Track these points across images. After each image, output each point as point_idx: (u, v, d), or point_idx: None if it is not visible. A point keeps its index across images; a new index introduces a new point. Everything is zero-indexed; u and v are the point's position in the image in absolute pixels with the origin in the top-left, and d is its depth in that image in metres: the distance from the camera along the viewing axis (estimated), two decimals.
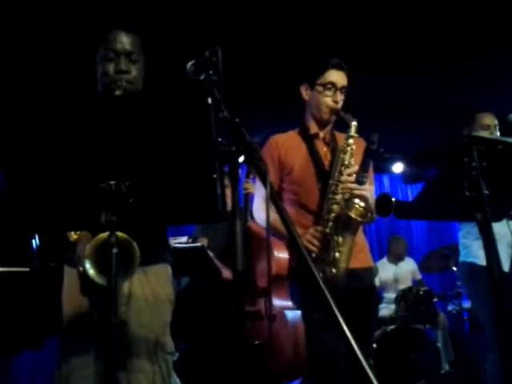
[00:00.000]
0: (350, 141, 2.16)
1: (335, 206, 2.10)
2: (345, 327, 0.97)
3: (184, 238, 3.63)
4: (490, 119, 2.88)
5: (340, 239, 2.06)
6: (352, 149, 2.16)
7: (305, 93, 2.29)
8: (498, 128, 2.88)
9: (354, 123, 2.16)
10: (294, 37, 3.79)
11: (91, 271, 1.44)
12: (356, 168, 2.12)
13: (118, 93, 1.65)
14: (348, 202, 2.07)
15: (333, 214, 2.09)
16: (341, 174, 2.13)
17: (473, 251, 2.90)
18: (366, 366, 0.92)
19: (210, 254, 3.45)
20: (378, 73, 4.36)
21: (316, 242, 2.06)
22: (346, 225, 2.06)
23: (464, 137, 1.42)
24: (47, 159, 1.36)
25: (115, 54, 1.74)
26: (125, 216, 1.33)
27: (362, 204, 2.06)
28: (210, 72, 1.24)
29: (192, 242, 3.59)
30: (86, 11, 3.26)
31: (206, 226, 3.68)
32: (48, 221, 1.44)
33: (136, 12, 3.23)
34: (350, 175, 2.11)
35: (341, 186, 2.11)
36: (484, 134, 2.74)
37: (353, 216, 2.04)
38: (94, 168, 1.34)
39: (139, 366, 1.66)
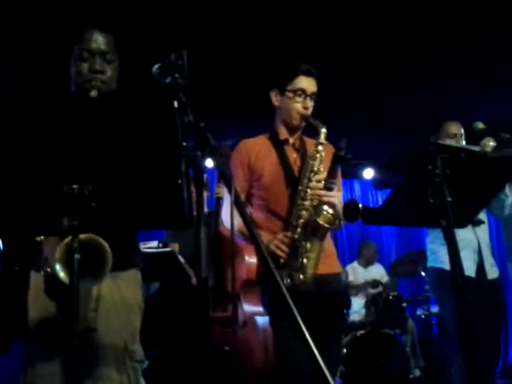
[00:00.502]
0: (320, 147, 2.18)
1: (304, 212, 2.11)
2: (306, 334, 0.96)
3: (154, 243, 3.60)
4: (456, 128, 2.93)
5: (308, 245, 2.06)
6: (321, 155, 2.17)
7: (275, 98, 2.30)
8: (463, 137, 2.94)
9: (324, 130, 2.18)
10: (265, 42, 3.80)
11: (62, 274, 1.41)
12: (325, 174, 2.13)
13: (93, 94, 1.62)
14: (317, 209, 2.08)
15: (301, 220, 2.10)
16: (310, 180, 2.14)
17: (440, 257, 2.94)
18: (327, 373, 0.91)
19: (181, 259, 3.43)
20: (349, 80, 4.40)
21: (284, 248, 2.06)
22: (314, 231, 2.07)
23: (428, 144, 1.44)
24: (9, 160, 1.32)
25: (90, 54, 1.72)
26: (88, 220, 1.30)
27: (331, 211, 2.07)
28: (176, 75, 1.23)
29: (163, 247, 3.56)
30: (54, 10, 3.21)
31: (176, 231, 3.65)
32: (10, 225, 1.40)
33: (106, 11, 3.19)
34: (318, 181, 2.12)
35: (309, 192, 2.12)
36: (449, 142, 2.79)
37: (321, 223, 2.05)
38: (56, 171, 1.31)
39: (106, 373, 1.63)
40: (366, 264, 5.66)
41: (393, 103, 5.03)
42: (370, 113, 5.13)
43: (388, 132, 5.70)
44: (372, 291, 5.13)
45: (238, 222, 2.21)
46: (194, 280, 3.38)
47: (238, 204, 1.13)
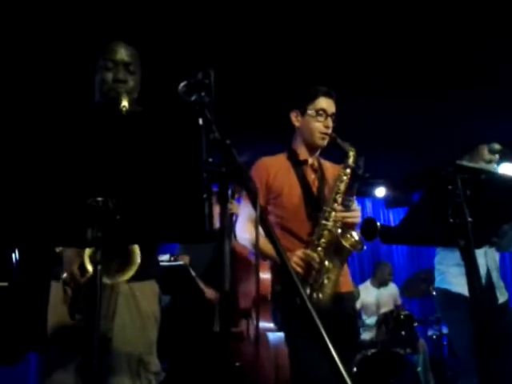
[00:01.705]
0: (347, 170, 2.21)
1: (326, 232, 2.14)
2: (332, 349, 0.97)
3: (166, 256, 3.61)
4: (491, 156, 2.89)
5: (330, 265, 2.09)
6: (348, 178, 2.20)
7: (295, 119, 2.36)
8: (496, 162, 2.91)
9: (353, 153, 2.22)
10: (287, 64, 3.85)
11: (89, 267, 1.44)
12: (352, 199, 2.18)
13: (124, 102, 1.65)
14: (343, 232, 2.12)
15: (323, 240, 2.13)
16: (335, 201, 2.17)
17: (447, 277, 2.92)
18: None
19: (193, 273, 3.43)
20: (363, 98, 4.43)
21: (302, 264, 2.07)
22: (336, 252, 2.09)
23: (449, 165, 1.45)
24: (34, 172, 1.35)
25: (114, 64, 1.78)
26: (111, 233, 1.32)
27: (356, 237, 2.11)
28: (202, 93, 1.26)
29: (174, 260, 3.56)
30: (80, 24, 3.28)
31: (188, 244, 3.66)
32: (34, 236, 1.42)
33: (135, 29, 3.26)
34: (345, 206, 2.16)
35: (334, 214, 2.15)
36: (468, 164, 2.78)
37: (346, 245, 2.08)
38: (81, 183, 1.34)
39: (120, 383, 1.64)
40: (379, 284, 5.61)
41: (406, 123, 5.04)
42: (382, 132, 5.15)
43: (400, 151, 5.71)
44: (383, 310, 5.09)
45: (252, 237, 2.23)
46: (208, 293, 3.38)
47: (263, 220, 1.15)
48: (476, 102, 4.64)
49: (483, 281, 2.89)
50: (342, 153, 2.23)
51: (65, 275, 1.58)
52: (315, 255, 2.09)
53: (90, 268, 1.45)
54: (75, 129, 1.34)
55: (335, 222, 2.13)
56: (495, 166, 2.92)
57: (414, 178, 5.11)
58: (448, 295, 2.86)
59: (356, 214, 2.14)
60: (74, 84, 2.34)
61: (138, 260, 1.45)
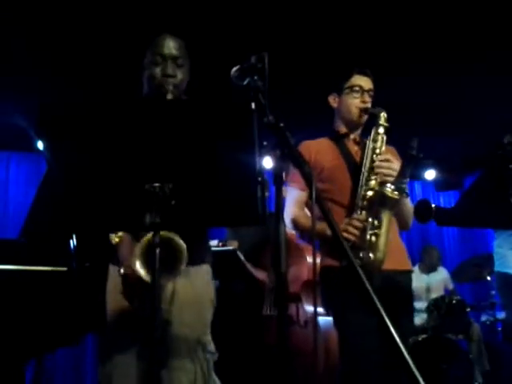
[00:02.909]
0: (380, 129, 2.20)
1: (369, 192, 2.11)
2: (391, 327, 0.96)
3: (215, 242, 3.66)
4: None
5: (376, 222, 2.05)
6: (383, 138, 2.19)
7: (333, 101, 2.36)
8: None
9: (383, 114, 2.21)
10: (336, 49, 3.81)
11: (141, 271, 1.48)
12: (388, 155, 2.15)
13: (169, 97, 1.69)
14: (382, 185, 2.07)
15: (366, 201, 2.10)
16: (372, 161, 2.16)
17: (508, 261, 2.87)
18: (414, 367, 0.91)
19: (242, 257, 3.47)
20: (412, 78, 4.33)
21: (352, 230, 2.04)
22: (380, 205, 2.04)
23: (508, 144, 1.40)
24: (94, 158, 1.39)
25: (162, 59, 1.80)
26: (168, 217, 1.35)
27: (394, 187, 2.04)
28: (255, 77, 1.26)
29: (223, 245, 3.61)
30: (131, 19, 3.34)
31: (236, 228, 3.70)
32: (93, 221, 1.47)
33: (183, 18, 3.28)
34: (382, 161, 2.13)
35: (373, 173, 2.13)
36: None
37: (388, 194, 2.03)
38: (138, 170, 1.37)
39: (180, 364, 1.69)
40: (428, 270, 5.47)
41: (457, 103, 4.90)
42: (432, 113, 5.02)
43: (451, 132, 5.55)
44: (434, 296, 4.99)
45: (296, 218, 2.23)
46: (259, 275, 3.41)
47: (319, 201, 1.15)
48: None
49: None
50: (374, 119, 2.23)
51: (122, 270, 1.62)
52: (360, 216, 2.06)
53: (142, 272, 1.48)
54: (131, 117, 1.37)
55: (375, 180, 2.11)
56: None
57: (464, 159, 4.97)
58: (509, 278, 2.81)
59: (393, 167, 2.09)
60: (126, 78, 2.38)
61: (185, 257, 1.47)
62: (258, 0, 3.22)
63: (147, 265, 1.45)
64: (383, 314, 0.97)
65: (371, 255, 2.01)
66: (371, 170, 2.14)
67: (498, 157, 1.38)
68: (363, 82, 2.29)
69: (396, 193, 2.02)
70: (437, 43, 3.87)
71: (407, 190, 2.07)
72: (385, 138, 2.19)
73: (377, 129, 2.21)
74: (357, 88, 2.27)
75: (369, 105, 2.27)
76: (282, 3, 3.28)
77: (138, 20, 3.31)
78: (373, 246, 2.02)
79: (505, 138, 2.81)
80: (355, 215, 2.08)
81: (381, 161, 2.13)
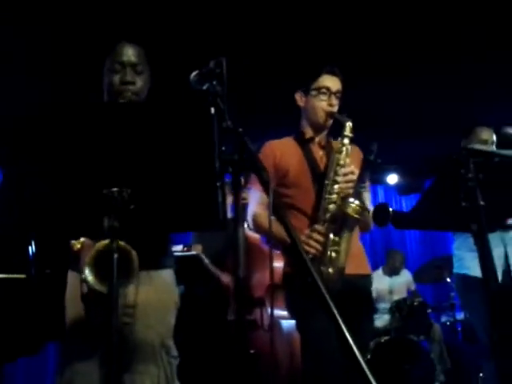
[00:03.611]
0: (345, 140, 2.17)
1: (331, 206, 2.10)
2: (345, 330, 0.98)
3: (179, 247, 3.64)
4: (487, 134, 2.93)
5: (336, 238, 2.05)
6: (347, 149, 2.16)
7: (300, 99, 2.32)
8: (495, 144, 2.92)
9: (349, 123, 2.18)
10: (296, 48, 3.83)
11: (90, 278, 1.45)
12: (352, 167, 2.13)
13: (122, 101, 1.68)
14: (344, 201, 2.06)
15: (329, 214, 2.09)
16: (336, 173, 2.13)
17: (466, 263, 2.93)
18: (368, 372, 0.93)
19: (206, 260, 3.46)
20: (375, 82, 4.40)
21: (312, 243, 2.04)
22: (342, 223, 2.04)
23: (462, 149, 1.45)
24: (51, 164, 1.37)
25: (121, 66, 1.79)
26: (127, 222, 1.34)
27: (357, 202, 2.04)
28: (214, 82, 1.27)
29: (187, 251, 3.60)
30: (92, 24, 3.30)
31: (201, 233, 3.69)
32: (51, 227, 1.45)
33: (141, 23, 3.27)
34: (345, 175, 2.11)
35: (337, 185, 2.11)
36: (480, 147, 2.78)
37: (350, 213, 2.03)
38: (96, 174, 1.36)
39: (144, 367, 1.69)
40: (391, 272, 5.59)
41: (419, 108, 5.01)
42: (394, 118, 5.12)
43: (412, 137, 5.67)
44: (396, 298, 5.08)
45: (262, 220, 2.23)
46: (224, 278, 3.40)
47: (275, 205, 1.16)
48: (489, 87, 4.60)
49: (502, 262, 2.90)
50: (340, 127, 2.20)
51: (83, 276, 1.59)
52: (320, 229, 2.06)
53: (90, 278, 1.46)
54: (89, 122, 1.36)
55: (338, 194, 2.09)
56: (494, 148, 2.92)
57: (426, 163, 5.08)
58: (467, 279, 2.87)
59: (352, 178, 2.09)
60: (86, 84, 2.36)
61: (137, 263, 1.46)
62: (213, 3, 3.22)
63: (98, 273, 1.43)
64: (340, 322, 0.99)
65: (330, 270, 2.02)
66: (334, 182, 2.12)
67: (452, 161, 1.42)
68: (331, 82, 2.25)
69: (357, 214, 2.03)
70: (398, 45, 3.94)
71: (364, 192, 2.10)
72: (349, 148, 2.17)
73: (342, 139, 2.18)
74: (324, 90, 2.23)
75: (335, 108, 2.25)
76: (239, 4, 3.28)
77: (98, 27, 3.28)
78: (333, 262, 2.03)
79: (461, 142, 2.90)
80: (316, 226, 2.08)
81: (344, 174, 2.11)
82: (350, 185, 2.09)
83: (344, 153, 2.16)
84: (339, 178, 2.11)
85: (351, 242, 2.08)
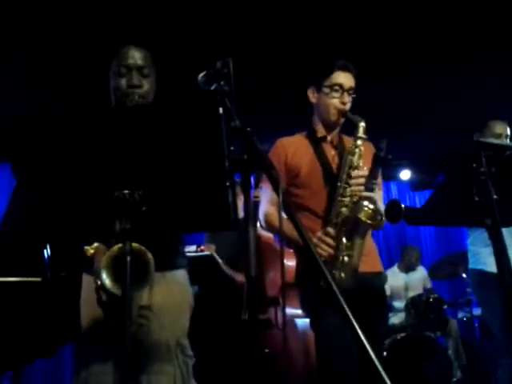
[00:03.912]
0: (358, 142, 2.14)
1: (344, 209, 2.08)
2: (359, 331, 0.98)
3: (193, 247, 3.65)
4: (502, 128, 2.87)
5: (348, 243, 2.03)
6: (360, 150, 2.13)
7: (312, 96, 2.28)
8: (508, 137, 2.88)
9: (362, 124, 2.14)
10: (303, 45, 3.82)
11: (107, 282, 1.46)
12: (365, 170, 2.10)
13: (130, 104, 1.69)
14: (357, 205, 2.04)
15: (341, 217, 2.07)
16: (349, 176, 2.10)
17: (481, 258, 2.90)
18: (382, 371, 0.93)
19: (219, 260, 3.46)
20: (387, 78, 4.38)
21: (324, 246, 2.03)
22: (354, 228, 2.03)
23: (473, 143, 1.43)
24: (62, 169, 1.38)
25: (127, 69, 1.78)
26: (138, 224, 1.35)
27: (371, 206, 2.02)
28: (222, 83, 1.27)
29: (201, 251, 3.61)
30: (96, 26, 3.31)
31: (214, 233, 3.69)
32: (63, 230, 1.46)
33: (147, 25, 3.28)
34: (358, 177, 2.09)
35: (349, 188, 2.08)
36: (493, 140, 2.75)
37: (362, 219, 2.01)
38: (107, 177, 1.37)
39: (160, 367, 1.70)
40: (407, 269, 5.54)
41: (432, 103, 4.97)
42: (406, 113, 5.09)
43: (424, 132, 5.63)
44: (412, 294, 5.05)
45: (274, 220, 2.22)
46: (238, 277, 3.40)
47: (286, 206, 1.16)
48: (501, 80, 4.55)
49: None
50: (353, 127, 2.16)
51: (98, 281, 1.59)
52: (332, 233, 2.04)
53: (107, 282, 1.46)
54: (100, 125, 1.37)
55: (351, 197, 2.07)
56: (507, 140, 2.87)
57: (439, 159, 5.05)
58: (483, 275, 2.84)
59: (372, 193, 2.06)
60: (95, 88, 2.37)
61: (153, 265, 1.46)
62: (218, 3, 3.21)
63: (114, 276, 1.44)
64: (354, 324, 0.99)
65: (342, 274, 2.01)
66: (347, 184, 2.10)
67: (464, 156, 1.41)
68: (344, 79, 2.20)
69: (369, 219, 2.01)
70: (411, 43, 3.91)
71: (377, 188, 2.08)
72: (362, 149, 2.14)
73: (355, 140, 2.15)
74: (336, 87, 2.19)
75: (348, 106, 2.21)
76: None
77: (100, 30, 3.30)
78: (345, 266, 2.02)
79: (474, 136, 2.86)
80: (328, 230, 2.06)
81: (356, 177, 2.09)
82: (363, 188, 2.06)
83: (357, 154, 2.13)
84: (352, 181, 2.09)
85: (364, 245, 2.07)
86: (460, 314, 5.14)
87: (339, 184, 2.11)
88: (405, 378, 4.22)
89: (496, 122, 2.89)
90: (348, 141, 2.25)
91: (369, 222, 2.03)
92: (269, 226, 2.29)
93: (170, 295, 1.77)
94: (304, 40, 3.77)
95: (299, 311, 3.21)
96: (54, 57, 3.66)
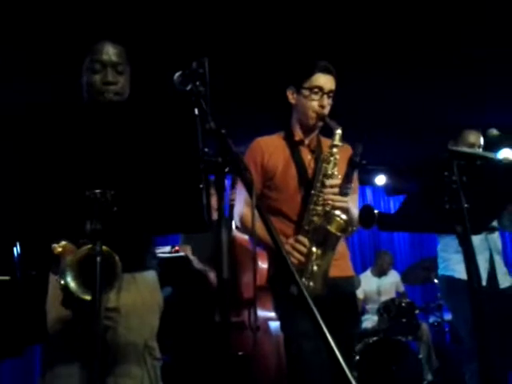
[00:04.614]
0: (334, 150, 2.11)
1: (316, 218, 2.06)
2: (329, 337, 0.98)
3: (167, 248, 3.63)
4: (475, 137, 2.91)
5: (319, 251, 2.02)
6: (335, 158, 2.11)
7: (291, 97, 2.24)
8: (481, 147, 2.92)
9: (339, 131, 2.11)
10: (282, 46, 3.82)
11: (72, 284, 1.43)
12: (339, 178, 2.08)
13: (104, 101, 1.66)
14: (328, 215, 2.03)
15: (313, 226, 2.05)
16: (323, 184, 2.09)
17: (451, 264, 2.94)
18: (351, 377, 0.93)
19: (194, 259, 3.45)
20: (363, 85, 4.41)
21: (295, 254, 2.02)
22: (324, 238, 2.01)
23: (445, 151, 1.45)
24: (33, 166, 1.36)
25: (102, 66, 1.74)
26: (109, 224, 1.33)
27: (343, 217, 2.00)
28: (197, 83, 1.26)
29: (175, 252, 3.59)
30: (75, 22, 3.27)
31: (190, 234, 3.68)
32: (33, 228, 1.43)
33: (124, 22, 3.24)
34: (332, 186, 2.07)
35: (322, 197, 2.07)
36: (464, 149, 2.80)
37: (332, 230, 2.00)
38: (79, 176, 1.34)
39: (127, 370, 1.68)
40: (380, 273, 5.60)
41: (406, 110, 5.03)
42: (382, 119, 5.14)
43: (400, 138, 5.70)
44: (385, 299, 5.10)
45: (248, 220, 2.20)
46: (212, 276, 3.38)
47: (259, 208, 1.16)
48: (475, 89, 4.63)
49: (487, 265, 2.91)
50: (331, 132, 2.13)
51: (62, 282, 1.56)
52: (304, 241, 2.03)
53: (72, 285, 1.44)
54: (71, 123, 1.34)
55: (324, 206, 2.05)
56: (480, 149, 2.93)
57: (413, 165, 5.11)
58: (451, 281, 2.88)
59: (345, 199, 2.04)
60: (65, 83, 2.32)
61: (120, 268, 1.44)
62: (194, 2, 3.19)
63: (79, 278, 1.42)
64: (324, 329, 0.99)
65: (311, 283, 1.99)
66: (320, 193, 2.08)
67: (436, 164, 1.42)
68: (324, 81, 2.16)
69: (340, 232, 2.00)
70: (386, 47, 3.94)
71: (351, 192, 2.08)
72: (338, 157, 2.11)
73: (330, 149, 2.12)
74: (316, 90, 2.15)
75: (327, 109, 2.18)
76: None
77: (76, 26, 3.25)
78: (314, 276, 2.00)
79: (448, 144, 2.91)
80: (301, 237, 2.05)
81: (330, 186, 2.07)
82: (336, 197, 2.05)
83: (332, 162, 2.10)
84: (325, 190, 2.07)
85: (333, 256, 2.05)
86: (431, 319, 5.22)
87: (313, 192, 2.10)
88: (376, 382, 4.26)
89: (470, 132, 2.93)
90: (326, 143, 2.23)
91: (339, 234, 2.01)
92: (244, 228, 2.27)
93: (140, 296, 1.75)
94: (283, 41, 3.77)
95: (273, 314, 3.21)
96: (25, 52, 3.60)
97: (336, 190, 2.07)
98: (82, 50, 1.79)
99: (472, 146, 2.89)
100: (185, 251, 3.57)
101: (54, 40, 3.46)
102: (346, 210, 2.04)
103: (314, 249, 2.02)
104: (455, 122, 3.19)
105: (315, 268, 2.01)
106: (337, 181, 2.09)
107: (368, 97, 4.66)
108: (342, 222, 2.01)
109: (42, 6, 3.11)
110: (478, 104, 4.93)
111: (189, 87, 1.29)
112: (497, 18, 3.56)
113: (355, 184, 2.27)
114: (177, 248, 3.63)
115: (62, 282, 1.51)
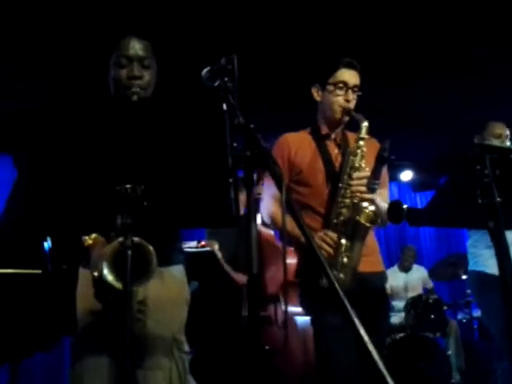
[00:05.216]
0: (361, 143, 2.12)
1: (344, 210, 2.07)
2: (361, 330, 0.97)
3: (193, 243, 3.65)
4: (501, 128, 2.91)
5: (348, 244, 2.03)
6: (362, 151, 2.12)
7: (316, 94, 2.26)
8: (508, 138, 2.90)
9: (365, 124, 2.12)
10: (306, 46, 3.82)
11: (109, 276, 1.45)
12: (367, 171, 2.08)
13: (134, 98, 1.68)
14: (357, 207, 2.04)
15: (341, 218, 2.06)
16: (350, 177, 2.09)
17: (482, 260, 2.89)
18: (384, 370, 0.92)
19: (220, 257, 3.46)
20: (390, 79, 4.37)
21: (325, 247, 2.03)
22: (354, 230, 2.03)
23: (476, 145, 1.42)
24: (65, 162, 1.38)
25: (128, 60, 1.76)
26: (139, 219, 1.35)
27: (372, 208, 2.02)
28: (226, 79, 1.26)
29: (202, 246, 3.60)
30: (101, 20, 3.31)
31: (215, 229, 3.69)
32: (64, 223, 1.46)
33: (153, 19, 3.27)
34: (359, 178, 2.07)
35: (350, 189, 2.07)
36: (494, 142, 2.76)
37: (361, 221, 2.01)
38: (110, 171, 1.37)
39: (156, 363, 1.69)
40: (406, 269, 5.56)
41: (433, 104, 4.97)
42: (408, 114, 5.08)
43: (427, 134, 5.63)
44: (412, 294, 5.05)
45: (277, 217, 2.22)
46: (236, 277, 3.40)
47: (289, 203, 1.16)
48: (503, 83, 4.55)
49: None
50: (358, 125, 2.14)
51: (95, 274, 1.58)
52: (332, 234, 2.04)
53: (109, 277, 1.45)
54: (103, 119, 1.37)
55: (352, 198, 2.06)
56: (508, 142, 2.90)
57: (441, 160, 5.05)
58: (483, 277, 2.83)
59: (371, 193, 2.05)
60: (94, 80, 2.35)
61: (155, 260, 1.46)
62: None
63: (116, 271, 1.44)
64: (357, 323, 0.98)
65: (341, 275, 2.00)
66: (348, 185, 2.09)
67: (468, 158, 1.40)
68: (348, 76, 2.18)
69: (369, 222, 2.01)
70: (415, 47, 3.91)
71: (383, 188, 2.07)
72: (365, 150, 2.12)
73: (357, 141, 2.13)
74: (341, 85, 2.16)
75: (352, 104, 2.19)
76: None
77: (103, 22, 3.29)
78: (344, 267, 2.02)
79: (475, 138, 2.86)
80: (330, 231, 2.06)
81: (358, 178, 2.07)
82: (364, 189, 2.05)
83: (359, 155, 2.11)
84: (353, 182, 2.08)
85: (363, 247, 2.06)
86: (460, 316, 5.15)
87: (340, 185, 2.10)
88: (403, 379, 4.22)
89: (495, 123, 2.93)
90: (353, 138, 2.23)
91: (368, 224, 2.02)
92: (273, 224, 2.29)
93: (166, 291, 1.76)
94: (307, 41, 3.76)
95: (299, 309, 3.21)
96: (54, 49, 3.65)
97: (364, 181, 2.07)
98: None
99: (499, 136, 2.87)
100: (212, 246, 3.58)
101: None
102: (373, 202, 2.05)
103: (343, 241, 2.04)
104: (480, 116, 3.15)
105: (345, 260, 2.02)
106: (364, 173, 2.09)
107: (395, 93, 4.63)
108: (370, 213, 2.02)
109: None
110: (504, 99, 4.84)
111: (217, 83, 1.30)
112: None
113: (385, 179, 2.27)
114: (203, 243, 3.65)
115: (96, 273, 1.53)
